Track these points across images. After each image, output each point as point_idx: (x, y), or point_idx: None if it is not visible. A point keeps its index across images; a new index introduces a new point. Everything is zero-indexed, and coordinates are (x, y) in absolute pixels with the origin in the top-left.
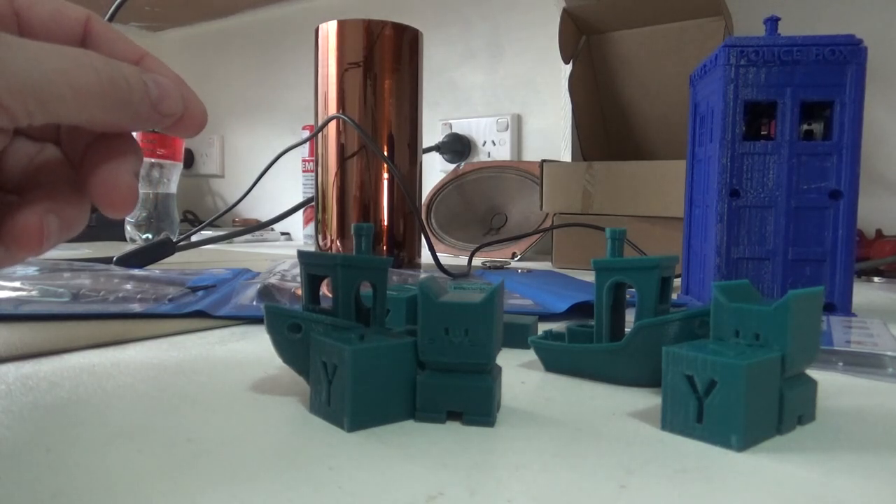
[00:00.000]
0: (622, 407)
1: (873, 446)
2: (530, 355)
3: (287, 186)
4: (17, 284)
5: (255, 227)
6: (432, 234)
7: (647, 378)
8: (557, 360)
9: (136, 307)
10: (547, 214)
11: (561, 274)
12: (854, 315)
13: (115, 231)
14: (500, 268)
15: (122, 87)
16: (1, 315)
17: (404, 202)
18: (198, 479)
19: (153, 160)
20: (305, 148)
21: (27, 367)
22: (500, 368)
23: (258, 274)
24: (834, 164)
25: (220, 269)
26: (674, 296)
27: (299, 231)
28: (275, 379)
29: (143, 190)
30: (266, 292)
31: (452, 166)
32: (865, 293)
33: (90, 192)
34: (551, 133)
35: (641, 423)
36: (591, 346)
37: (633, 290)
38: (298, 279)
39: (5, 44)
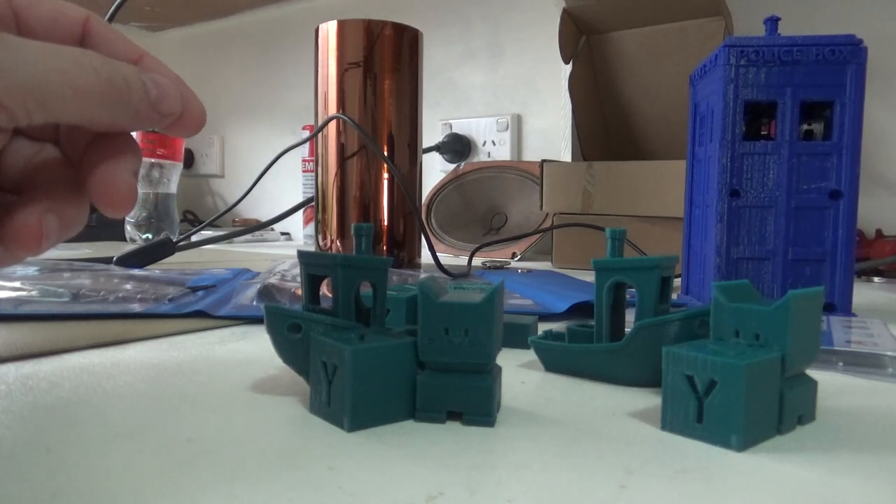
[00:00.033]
0: (622, 407)
1: (873, 446)
2: (530, 355)
3: (287, 186)
4: (17, 284)
5: (255, 227)
6: (432, 234)
7: (647, 378)
8: (557, 360)
9: (136, 307)
10: (547, 214)
11: (561, 274)
12: (854, 315)
13: (115, 231)
14: (500, 268)
15: (121, 87)
16: (1, 315)
17: (404, 202)
18: (198, 479)
19: (153, 160)
20: (305, 148)
21: (27, 367)
22: (500, 368)
23: (258, 274)
24: (834, 164)
25: (220, 269)
26: (674, 296)
27: (299, 231)
28: (275, 379)
29: (143, 190)
30: (266, 292)
31: (452, 166)
32: (865, 293)
33: (89, 192)
34: (551, 133)
35: (641, 423)
36: (591, 346)
37: (633, 290)
38: (298, 279)
39: (5, 43)
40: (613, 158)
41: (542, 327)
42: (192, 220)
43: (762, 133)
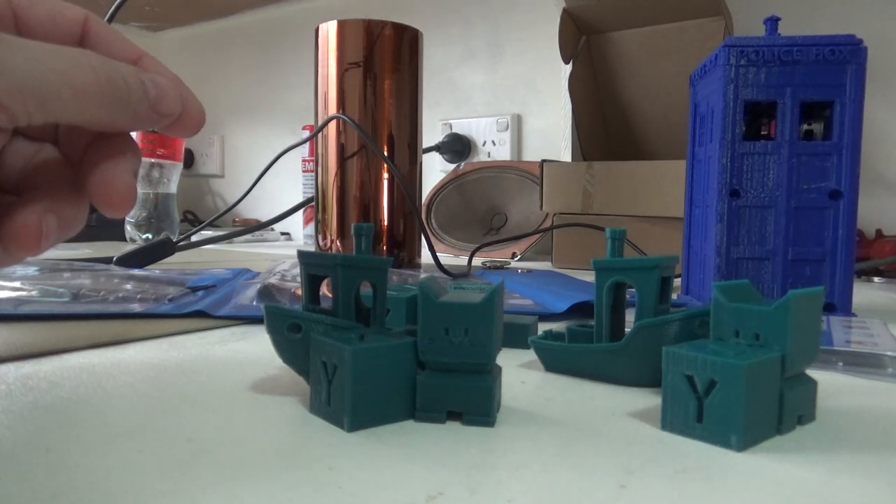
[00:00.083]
0: (622, 407)
1: (873, 446)
2: (530, 355)
3: (287, 186)
4: (17, 284)
5: (255, 227)
6: (432, 234)
7: (647, 378)
8: (557, 360)
9: (136, 307)
10: (547, 214)
11: (561, 274)
12: (854, 315)
13: (115, 231)
14: (500, 268)
15: (121, 87)
16: (1, 315)
17: (404, 202)
18: (198, 479)
19: (153, 160)
20: (305, 148)
21: (27, 367)
22: (500, 368)
23: (258, 274)
24: (834, 164)
25: (220, 269)
26: (674, 296)
27: (299, 231)
28: (275, 379)
29: (143, 190)
30: (266, 292)
31: (452, 166)
32: (865, 293)
33: (89, 192)
34: (551, 133)
35: (641, 423)
36: (591, 346)
37: (633, 290)
38: (298, 279)
39: (4, 43)
40: (613, 158)
41: (542, 327)
42: (192, 220)
43: (762, 133)
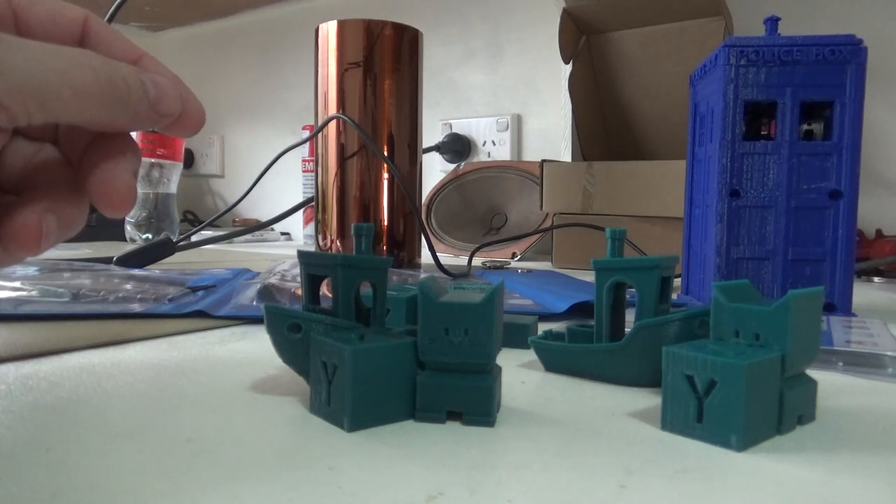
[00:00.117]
0: (622, 407)
1: (873, 446)
2: (530, 355)
3: (287, 186)
4: (17, 284)
5: (255, 227)
6: (432, 234)
7: (647, 378)
8: (557, 360)
9: (136, 307)
10: (547, 214)
11: (561, 274)
12: (854, 315)
13: (115, 231)
14: (500, 268)
15: (121, 87)
16: (1, 315)
17: (404, 202)
18: (198, 479)
19: (153, 160)
20: (305, 148)
21: (27, 367)
22: (500, 368)
23: (258, 274)
24: (834, 164)
25: (220, 269)
26: (674, 296)
27: (299, 231)
28: (275, 379)
29: (143, 190)
30: (266, 292)
31: (452, 166)
32: (865, 293)
33: (89, 192)
34: (551, 133)
35: (641, 423)
36: (591, 346)
37: (633, 290)
38: (298, 279)
39: (4, 43)
40: (613, 158)
41: (542, 327)
42: (192, 220)
43: (762, 133)
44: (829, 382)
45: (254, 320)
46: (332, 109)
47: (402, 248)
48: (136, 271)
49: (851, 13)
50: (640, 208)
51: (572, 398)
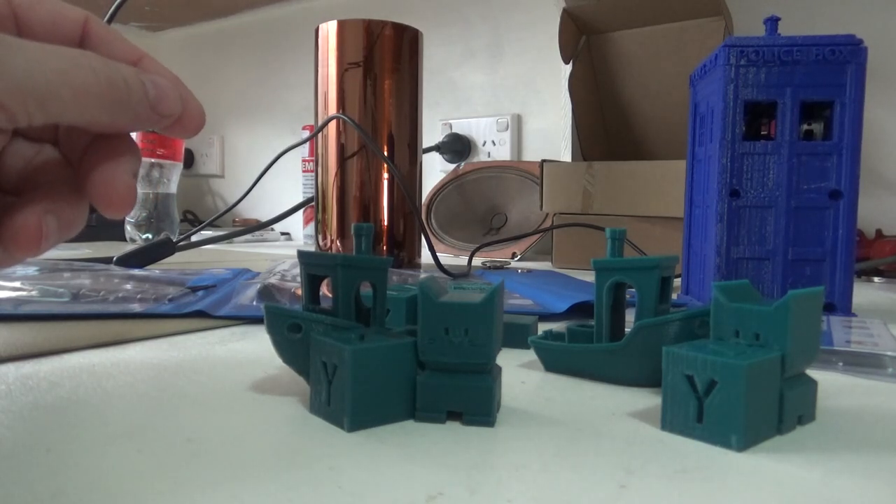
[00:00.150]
0: (622, 407)
1: (873, 446)
2: (530, 355)
3: (287, 186)
4: (17, 284)
5: (255, 227)
6: (432, 234)
7: (647, 378)
8: (557, 360)
9: (136, 307)
10: (547, 214)
11: (561, 274)
12: (854, 315)
13: (115, 231)
14: (500, 268)
15: (121, 88)
16: (1, 315)
17: (404, 202)
18: (198, 479)
19: (153, 160)
20: (305, 148)
21: (27, 367)
22: (500, 368)
23: (258, 274)
24: (834, 164)
25: (220, 269)
26: (674, 296)
27: (299, 231)
28: (275, 379)
29: (143, 190)
30: (266, 292)
31: (452, 166)
32: (865, 293)
33: (89, 193)
34: (551, 133)
35: (641, 423)
36: (591, 346)
37: (633, 290)
38: (298, 279)
39: (5, 44)
40: (613, 158)
41: (542, 327)
42: (192, 220)
43: (762, 133)
44: (829, 382)
45: (254, 320)
46: (332, 109)
47: (402, 248)
48: (136, 271)
49: (851, 13)
50: (640, 208)
51: (572, 398)
